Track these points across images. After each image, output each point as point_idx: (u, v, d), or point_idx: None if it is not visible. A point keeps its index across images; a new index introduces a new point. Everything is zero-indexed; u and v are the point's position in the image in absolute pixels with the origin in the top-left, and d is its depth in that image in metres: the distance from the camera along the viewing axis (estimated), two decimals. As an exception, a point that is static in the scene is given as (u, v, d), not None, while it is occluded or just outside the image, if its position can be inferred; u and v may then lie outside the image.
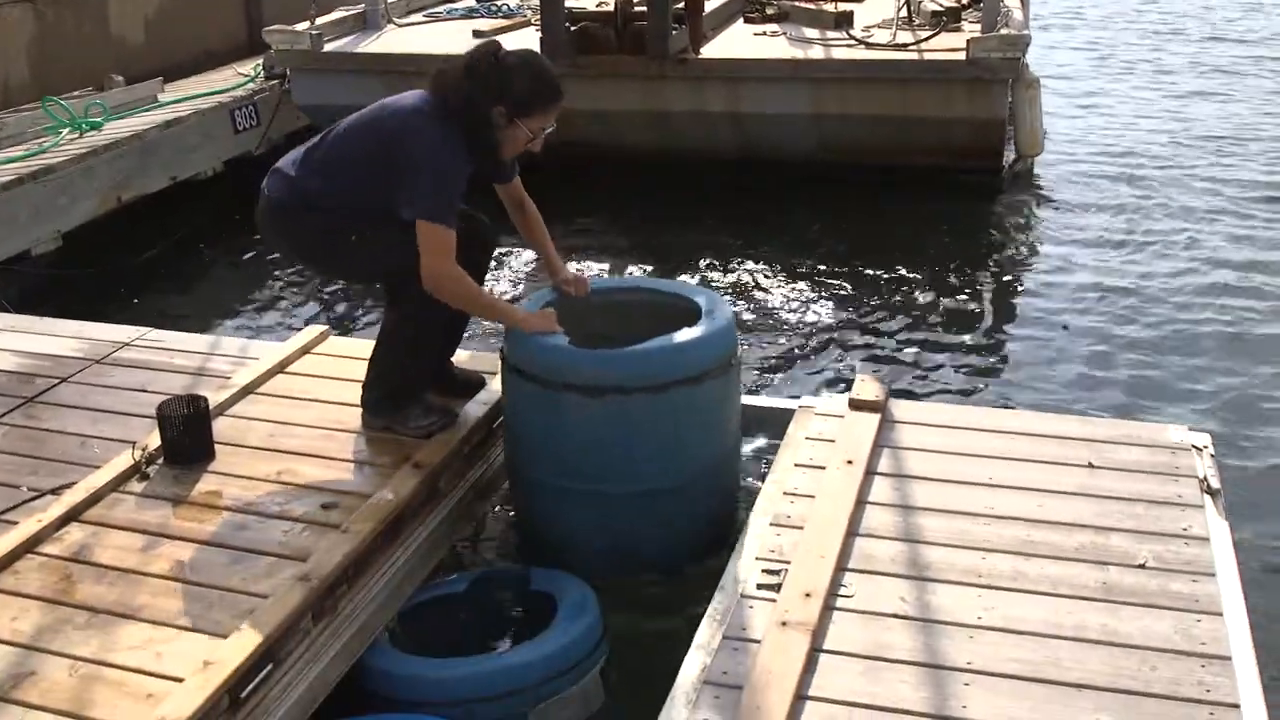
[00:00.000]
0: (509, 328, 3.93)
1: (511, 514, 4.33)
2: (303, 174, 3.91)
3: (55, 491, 3.74)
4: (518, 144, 3.82)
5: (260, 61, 9.85)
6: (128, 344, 4.89)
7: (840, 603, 3.12)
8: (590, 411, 3.75)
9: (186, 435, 3.88)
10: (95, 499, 3.68)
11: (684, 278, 7.41)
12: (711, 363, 3.83)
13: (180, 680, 2.86)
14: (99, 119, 8.51)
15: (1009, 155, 8.94)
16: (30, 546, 3.45)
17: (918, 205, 8.43)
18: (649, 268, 7.49)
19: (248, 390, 4.34)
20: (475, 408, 4.13)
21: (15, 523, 3.57)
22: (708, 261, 7.63)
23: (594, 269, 7.46)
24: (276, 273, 7.80)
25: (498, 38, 9.17)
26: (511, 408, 4.02)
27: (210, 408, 3.99)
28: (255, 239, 8.40)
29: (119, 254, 7.59)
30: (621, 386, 3.72)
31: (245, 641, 2.97)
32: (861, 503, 3.56)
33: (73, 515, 3.60)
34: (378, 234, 3.78)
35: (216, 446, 3.97)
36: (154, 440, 3.95)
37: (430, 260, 3.67)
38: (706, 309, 3.98)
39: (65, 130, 8.29)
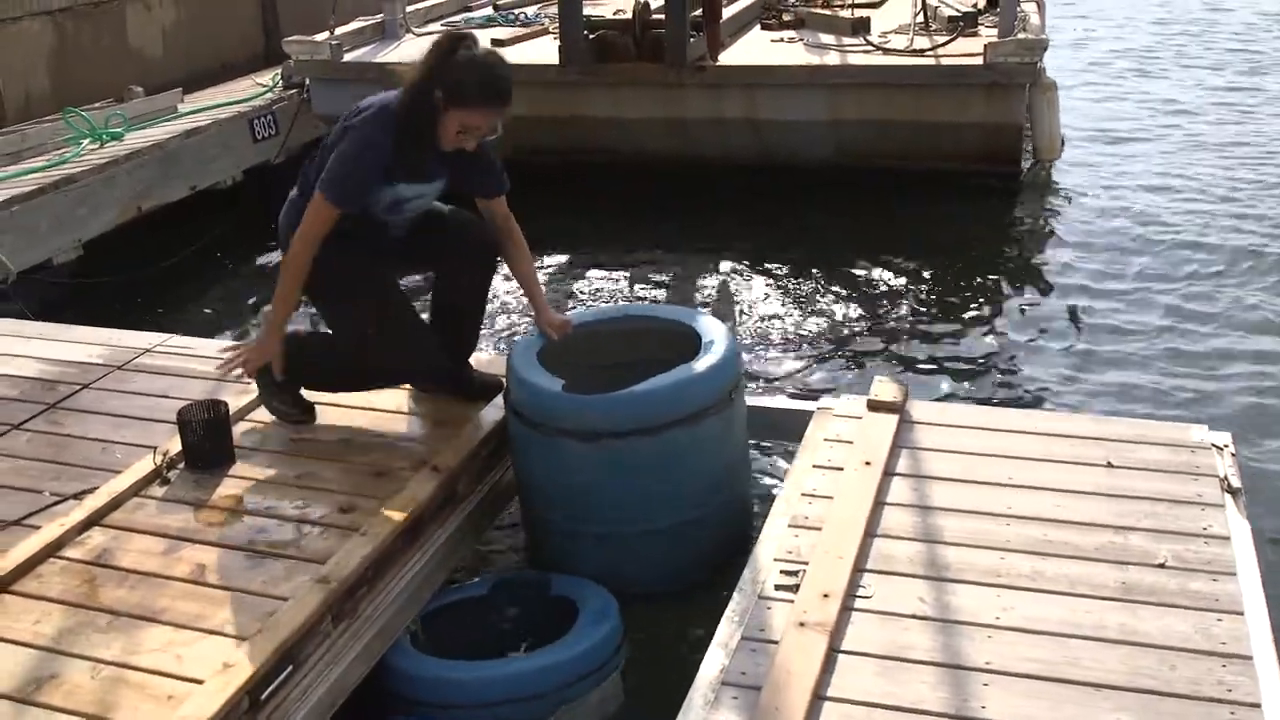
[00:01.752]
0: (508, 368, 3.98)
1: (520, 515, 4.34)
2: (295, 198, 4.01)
3: (77, 496, 3.77)
4: (449, 135, 3.76)
5: (278, 71, 9.90)
6: (149, 350, 4.92)
7: (858, 603, 3.12)
8: (587, 456, 3.76)
9: (207, 440, 3.90)
10: (117, 503, 3.71)
11: (701, 282, 7.43)
12: (711, 399, 3.82)
13: (200, 682, 2.87)
14: (119, 129, 8.55)
15: (1027, 159, 8.91)
16: (53, 551, 3.48)
17: (935, 209, 8.41)
18: (666, 276, 7.50)
19: (267, 396, 4.35)
20: (492, 411, 4.14)
21: (38, 527, 3.60)
22: (725, 266, 7.64)
23: (611, 276, 7.48)
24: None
25: (515, 47, 9.27)
26: (514, 449, 4.04)
27: (230, 412, 4.01)
28: (274, 247, 8.48)
29: (140, 263, 7.63)
30: (616, 431, 3.71)
31: (265, 644, 2.98)
32: (880, 503, 3.56)
33: (94, 520, 3.62)
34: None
35: (236, 450, 3.99)
36: (175, 445, 3.97)
37: (304, 224, 3.75)
38: (706, 339, 3.95)
39: (86, 141, 8.33)
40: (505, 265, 4.25)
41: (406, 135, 3.74)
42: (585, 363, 4.02)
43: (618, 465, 3.76)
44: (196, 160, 8.60)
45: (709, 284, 7.45)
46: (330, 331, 4.16)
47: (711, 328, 4.07)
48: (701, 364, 3.84)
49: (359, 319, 3.97)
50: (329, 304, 4.04)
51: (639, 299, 7.14)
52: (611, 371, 4.09)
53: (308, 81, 9.47)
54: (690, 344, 3.99)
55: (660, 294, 7.27)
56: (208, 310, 7.51)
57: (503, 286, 6.55)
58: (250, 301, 7.65)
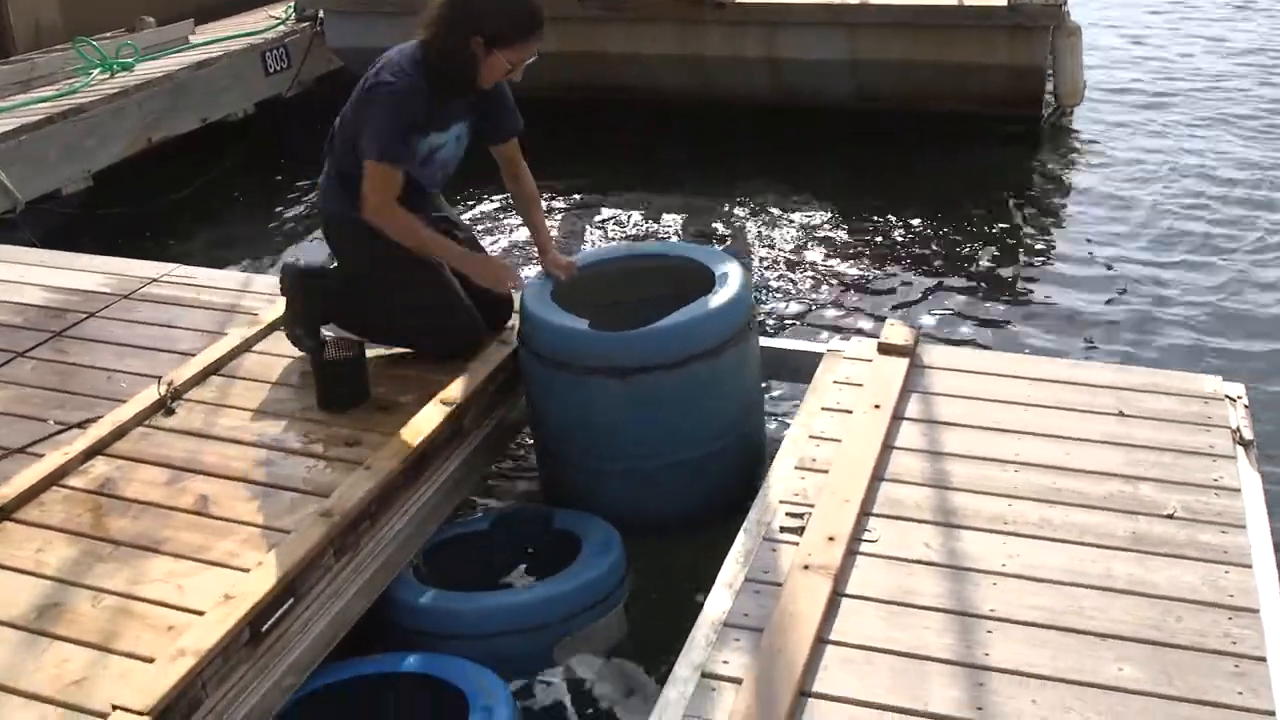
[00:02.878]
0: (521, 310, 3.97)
1: (536, 455, 4.34)
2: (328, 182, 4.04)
3: (81, 425, 3.77)
4: (496, 73, 3.78)
5: (291, 3, 9.81)
6: (155, 280, 4.91)
7: (864, 547, 3.11)
8: (615, 393, 3.75)
9: (342, 383, 3.86)
10: (120, 433, 3.71)
11: (716, 222, 7.39)
12: (730, 331, 3.82)
13: (201, 613, 2.88)
14: (130, 60, 8.50)
15: (1048, 104, 8.81)
16: (55, 479, 3.49)
17: (954, 153, 8.33)
18: (681, 215, 7.45)
19: (275, 328, 4.34)
20: (499, 346, 4.12)
21: (41, 456, 3.61)
22: (740, 206, 7.59)
23: (625, 215, 7.44)
24: (306, 214, 7.82)
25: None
26: (532, 390, 4.04)
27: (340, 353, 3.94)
28: (284, 180, 8.46)
29: (149, 194, 7.61)
30: (644, 366, 3.72)
31: (266, 576, 2.99)
32: (888, 447, 3.54)
33: (98, 449, 3.63)
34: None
35: (242, 383, 3.99)
36: (180, 374, 3.97)
37: (370, 193, 3.74)
38: (719, 274, 3.95)
39: (96, 71, 8.29)
40: (513, 206, 4.21)
41: (442, 84, 3.75)
42: (591, 302, 4.00)
43: (643, 401, 3.76)
44: (207, 92, 8.56)
45: (723, 224, 7.40)
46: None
47: (723, 262, 4.05)
48: (720, 297, 3.83)
49: (413, 295, 3.98)
50: (384, 274, 4.00)
51: (652, 237, 7.10)
52: (619, 310, 4.07)
53: (321, 14, 9.38)
54: (699, 279, 3.97)
55: (674, 233, 7.23)
56: (216, 242, 7.48)
57: (509, 222, 6.54)
58: (259, 235, 7.63)
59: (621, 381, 3.73)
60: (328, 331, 4.06)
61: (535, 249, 4.27)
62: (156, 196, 7.61)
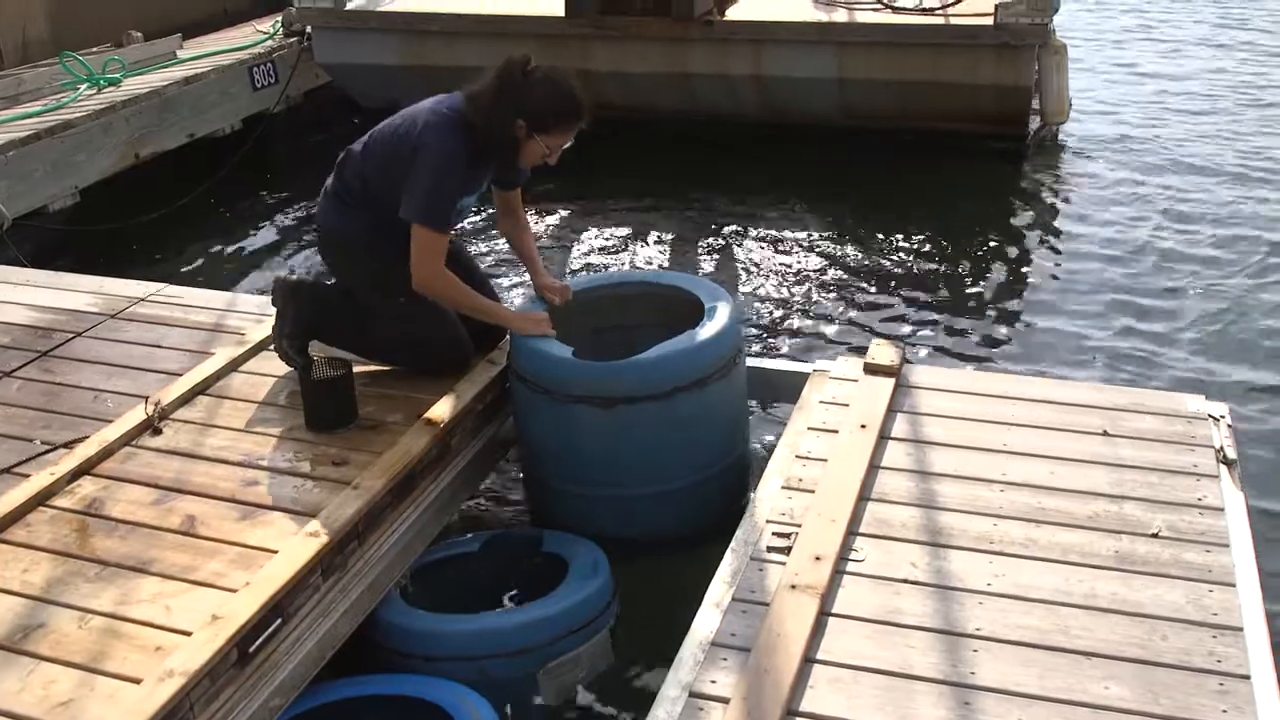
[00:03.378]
0: (510, 334, 4.04)
1: (522, 476, 4.35)
2: (341, 196, 4.06)
3: (68, 445, 3.77)
4: (533, 157, 3.93)
5: (279, 19, 9.84)
6: (143, 299, 4.91)
7: (850, 566, 3.13)
8: (599, 421, 3.79)
9: (333, 400, 3.86)
10: (107, 453, 3.71)
11: (702, 241, 7.41)
12: (717, 364, 3.86)
13: (189, 634, 2.88)
14: (117, 75, 8.51)
15: (1034, 122, 8.87)
16: (42, 500, 3.48)
17: (941, 171, 8.38)
18: (667, 234, 7.47)
19: (262, 347, 4.35)
20: (487, 366, 4.14)
21: (27, 476, 3.60)
22: (726, 224, 7.61)
23: (610, 234, 7.46)
24: (294, 230, 7.84)
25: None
26: (520, 416, 4.08)
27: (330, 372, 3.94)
28: (273, 197, 8.47)
29: (136, 211, 7.60)
30: (629, 396, 3.75)
31: (254, 596, 2.99)
32: (874, 467, 3.56)
33: (85, 469, 3.63)
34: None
35: (229, 402, 4.00)
36: (167, 395, 3.98)
37: (421, 262, 3.83)
38: (708, 305, 3.99)
39: (83, 86, 8.30)
40: (506, 241, 4.39)
41: (482, 157, 3.90)
42: (578, 329, 4.04)
43: (627, 431, 3.80)
44: (195, 108, 8.57)
45: (709, 242, 7.42)
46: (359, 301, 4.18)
47: (712, 292, 4.09)
48: (707, 330, 3.87)
49: (405, 313, 4.02)
50: (379, 292, 4.05)
51: (637, 257, 7.12)
52: (608, 336, 4.15)
53: (309, 29, 9.41)
54: (686, 308, 4.01)
55: (660, 251, 7.25)
56: (204, 260, 7.49)
57: (501, 246, 6.54)
58: (246, 252, 7.63)
59: (606, 411, 3.76)
60: (314, 351, 4.07)
61: (522, 266, 4.31)
62: (144, 213, 7.61)
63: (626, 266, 6.94)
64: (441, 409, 3.87)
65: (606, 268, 6.89)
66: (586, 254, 7.16)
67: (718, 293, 4.10)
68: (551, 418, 3.88)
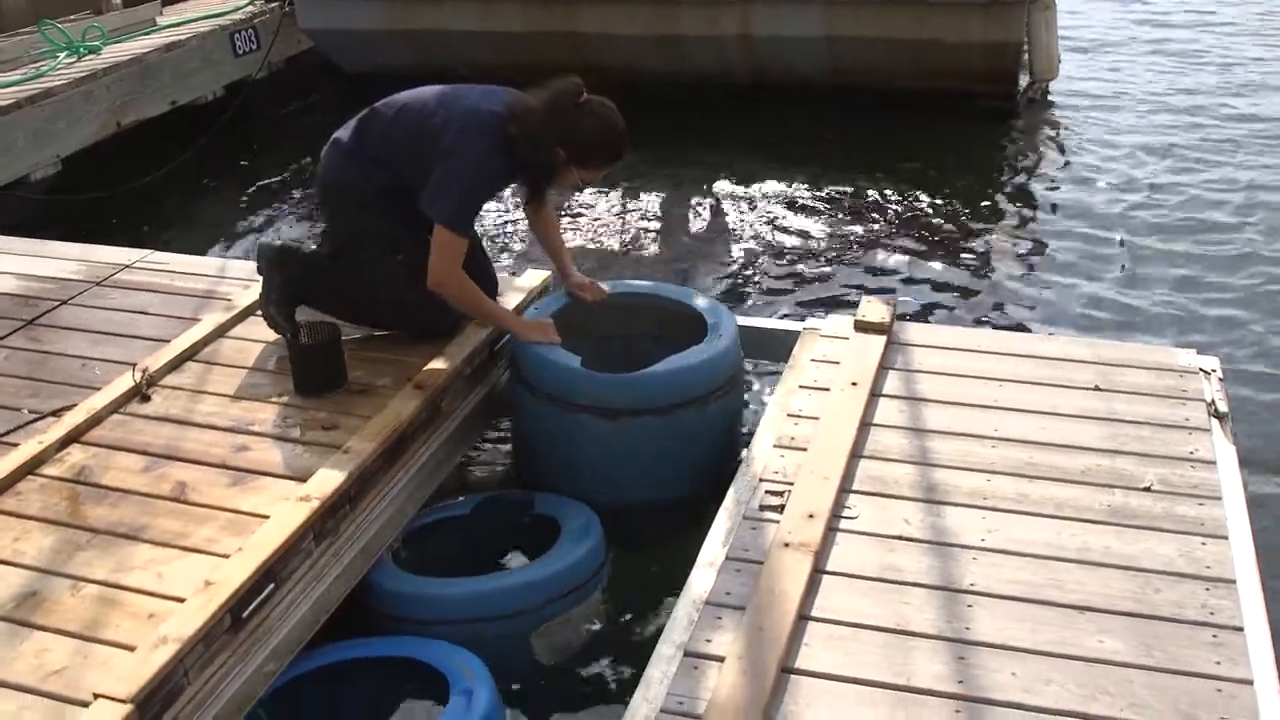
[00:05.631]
0: (513, 336, 4.04)
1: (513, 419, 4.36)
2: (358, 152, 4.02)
3: (56, 413, 3.76)
4: (566, 184, 3.98)
5: (260, -17, 9.77)
6: (128, 266, 4.89)
7: (843, 524, 3.13)
8: (598, 431, 3.82)
9: (319, 367, 3.85)
10: (96, 420, 3.70)
11: (692, 201, 7.39)
12: (718, 383, 3.89)
13: (182, 600, 2.88)
14: (97, 43, 8.45)
15: (1023, 79, 8.84)
16: (31, 468, 3.47)
17: (930, 130, 8.36)
18: (656, 196, 7.45)
19: (249, 313, 4.33)
20: (477, 329, 4.12)
21: (16, 444, 3.59)
22: (716, 185, 7.60)
23: (600, 198, 7.44)
24: (279, 197, 7.80)
25: None
26: (520, 420, 4.14)
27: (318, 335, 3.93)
28: (257, 164, 8.42)
29: (119, 179, 7.56)
30: (634, 409, 3.78)
31: (246, 562, 2.99)
32: (866, 424, 3.57)
33: (73, 437, 3.62)
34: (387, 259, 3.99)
35: (218, 368, 3.99)
36: (155, 361, 3.96)
37: (440, 263, 3.82)
38: (711, 322, 4.02)
39: (63, 54, 8.23)
40: (532, 231, 4.44)
41: (519, 173, 3.95)
42: (578, 336, 4.06)
43: (628, 442, 3.83)
44: (176, 75, 8.52)
45: (699, 203, 7.41)
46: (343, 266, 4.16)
47: (714, 309, 4.13)
48: (712, 348, 3.90)
49: (399, 274, 4.00)
50: (374, 250, 4.04)
51: (626, 220, 7.10)
52: (604, 345, 4.18)
53: (292, -6, 9.34)
54: (685, 322, 4.06)
55: (650, 214, 7.24)
56: (189, 227, 7.45)
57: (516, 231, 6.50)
58: (231, 218, 7.59)
59: (610, 422, 3.79)
60: (301, 315, 4.06)
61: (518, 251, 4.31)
62: (127, 181, 7.57)
63: (614, 230, 6.93)
64: (431, 372, 3.86)
65: (595, 239, 6.88)
66: (575, 218, 7.13)
67: (719, 310, 4.14)
68: (552, 424, 3.91)
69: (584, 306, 4.23)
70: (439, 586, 3.46)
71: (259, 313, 4.19)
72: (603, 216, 7.15)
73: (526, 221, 4.44)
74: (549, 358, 3.89)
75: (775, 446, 3.49)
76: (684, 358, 3.85)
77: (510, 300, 4.35)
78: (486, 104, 3.86)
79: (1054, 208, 7.21)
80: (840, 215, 7.09)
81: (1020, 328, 5.61)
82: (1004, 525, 3.11)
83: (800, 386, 3.81)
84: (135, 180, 7.60)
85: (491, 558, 3.87)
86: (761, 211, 7.18)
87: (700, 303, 4.20)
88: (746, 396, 4.47)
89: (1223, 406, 3.62)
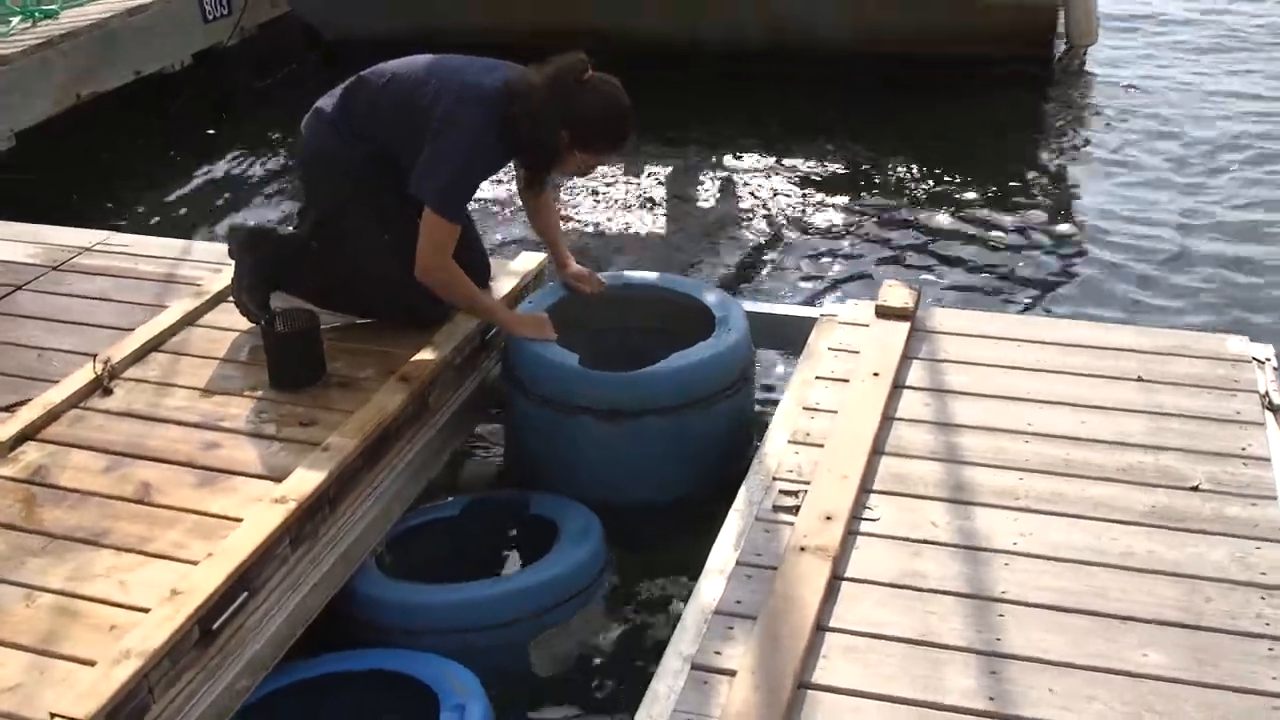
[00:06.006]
0: (507, 335, 4.06)
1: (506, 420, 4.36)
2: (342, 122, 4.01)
3: (9, 408, 3.75)
4: (567, 168, 3.96)
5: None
6: (88, 249, 4.88)
7: (864, 526, 3.13)
8: (598, 433, 3.83)
9: (296, 357, 3.85)
10: (53, 416, 3.69)
11: (700, 177, 7.38)
12: (727, 382, 3.90)
13: (146, 610, 2.87)
14: (54, 6, 8.40)
15: (1059, 45, 8.81)
16: (-18, 467, 3.47)
17: (959, 99, 8.34)
18: (665, 170, 7.44)
19: (220, 299, 4.33)
20: (467, 317, 4.12)
21: (-35, 442, 3.59)
22: (726, 159, 7.59)
23: (602, 175, 7.41)
24: (251, 175, 7.79)
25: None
26: (513, 421, 4.15)
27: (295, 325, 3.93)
28: (227, 139, 8.41)
29: (79, 156, 7.55)
30: (634, 410, 3.79)
31: (217, 569, 2.98)
32: (888, 418, 3.56)
33: (29, 434, 3.61)
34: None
35: (186, 359, 3.98)
36: (117, 352, 3.96)
37: (429, 251, 3.81)
38: (719, 316, 4.02)
39: (16, 19, 8.19)
40: (528, 216, 4.44)
41: (519, 154, 3.96)
42: (573, 329, 4.07)
43: (630, 444, 3.84)
44: (140, 42, 8.47)
45: (704, 181, 7.40)
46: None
47: (723, 302, 4.13)
48: (720, 344, 3.91)
49: (384, 254, 4.00)
50: (358, 226, 4.03)
51: (631, 195, 7.09)
52: (602, 338, 4.20)
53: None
54: (692, 315, 4.06)
55: (657, 188, 7.22)
56: (154, 207, 7.44)
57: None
58: (200, 197, 7.58)
59: (609, 424, 3.80)
60: (277, 302, 4.06)
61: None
62: (87, 157, 7.55)
63: (613, 212, 6.91)
64: (418, 363, 3.86)
65: (597, 220, 6.86)
66: (575, 196, 7.12)
67: (727, 302, 4.14)
68: (547, 427, 3.92)
69: (582, 299, 4.23)
70: (427, 594, 3.47)
71: (230, 299, 4.18)
72: (600, 198, 7.14)
73: (522, 206, 4.41)
74: (544, 355, 3.89)
75: (790, 443, 3.48)
76: (689, 355, 3.85)
77: (503, 286, 4.36)
78: (484, 78, 3.83)
79: (1093, 184, 7.20)
80: (859, 192, 7.08)
81: (1056, 313, 5.59)
82: (1038, 528, 3.10)
83: (817, 378, 3.80)
84: (95, 156, 7.58)
85: (484, 562, 3.86)
86: (773, 188, 7.17)
87: (707, 295, 4.20)
88: (758, 388, 4.46)
89: (1278, 398, 3.61)
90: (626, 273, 4.50)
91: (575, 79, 3.76)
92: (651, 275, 4.44)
